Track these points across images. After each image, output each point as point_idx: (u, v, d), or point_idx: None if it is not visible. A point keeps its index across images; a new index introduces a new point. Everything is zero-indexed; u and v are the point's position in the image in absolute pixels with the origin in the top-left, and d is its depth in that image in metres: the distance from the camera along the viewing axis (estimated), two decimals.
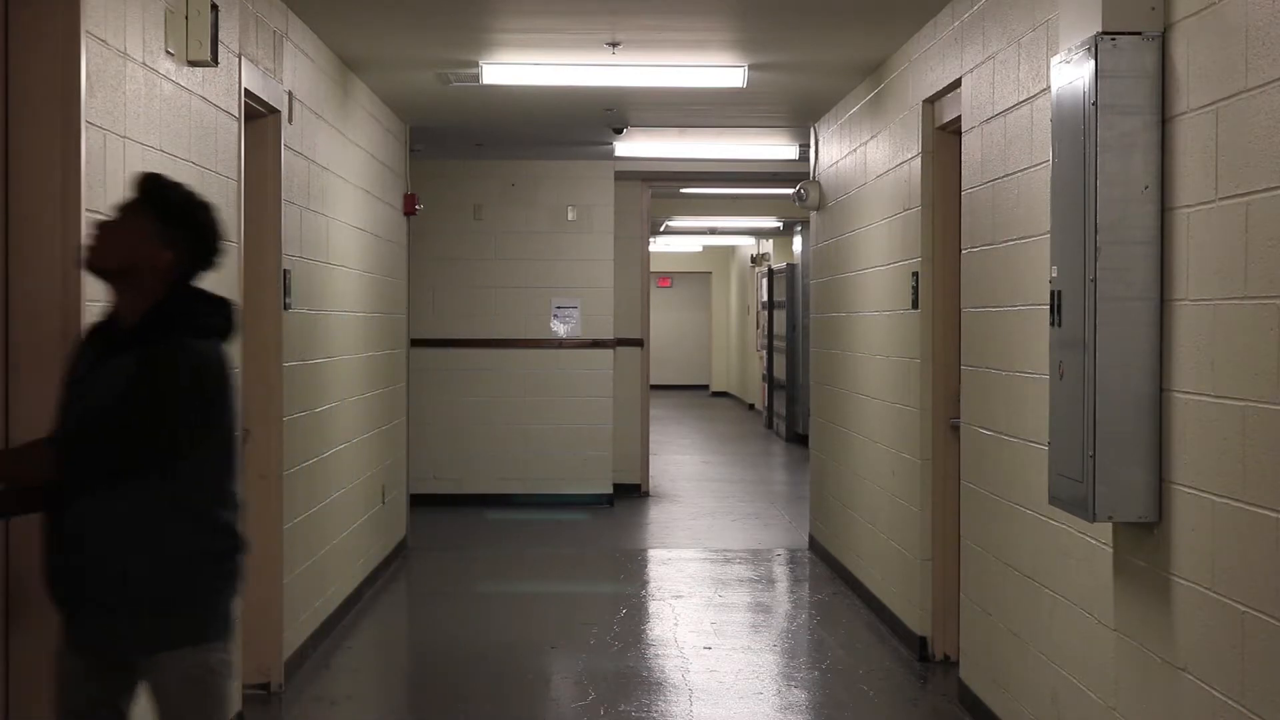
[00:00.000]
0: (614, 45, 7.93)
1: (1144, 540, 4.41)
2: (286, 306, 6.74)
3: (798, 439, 18.65)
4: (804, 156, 11.66)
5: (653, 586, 9.79)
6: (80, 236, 4.24)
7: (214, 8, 5.24)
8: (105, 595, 3.50)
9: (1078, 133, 4.39)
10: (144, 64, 4.84)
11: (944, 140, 7.30)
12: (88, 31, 4.30)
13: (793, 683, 7.31)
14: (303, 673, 7.12)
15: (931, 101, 7.33)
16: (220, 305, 3.66)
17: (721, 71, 8.65)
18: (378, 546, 9.60)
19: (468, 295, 13.18)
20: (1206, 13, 3.99)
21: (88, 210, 4.30)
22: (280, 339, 6.64)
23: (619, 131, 11.23)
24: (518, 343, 13.22)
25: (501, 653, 7.74)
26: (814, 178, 10.71)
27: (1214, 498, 3.94)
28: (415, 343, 12.00)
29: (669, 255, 28.13)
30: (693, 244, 27.28)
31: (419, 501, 11.85)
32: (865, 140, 8.90)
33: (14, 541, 4.21)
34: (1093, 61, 4.26)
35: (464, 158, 13.09)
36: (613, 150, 12.72)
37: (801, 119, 10.78)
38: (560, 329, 13.27)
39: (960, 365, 6.79)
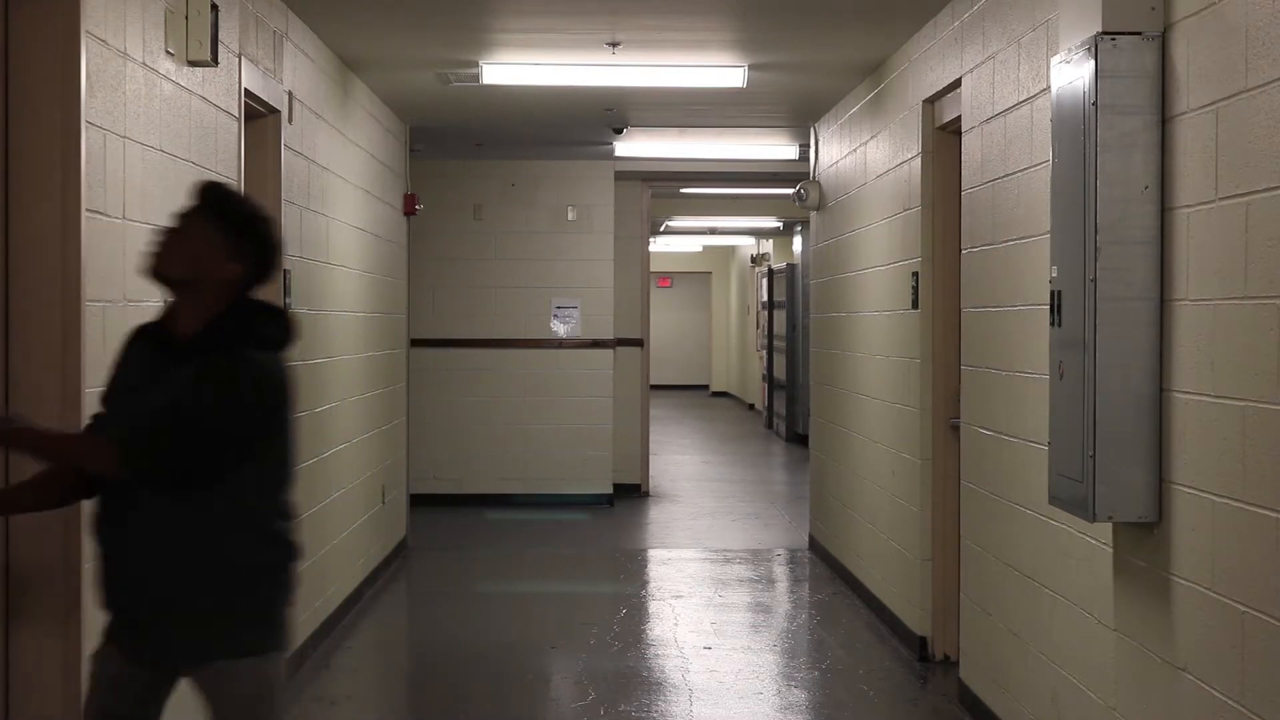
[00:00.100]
0: (614, 45, 7.93)
1: (1144, 540, 4.41)
2: (287, 306, 6.74)
3: (798, 439, 18.65)
4: (804, 156, 11.66)
5: (653, 586, 9.79)
6: (80, 236, 4.24)
7: (214, 8, 5.24)
8: (168, 605, 3.49)
9: (1078, 133, 4.39)
10: (144, 64, 4.84)
11: (944, 140, 7.30)
12: (88, 31, 4.30)
13: (793, 683, 7.31)
14: (303, 673, 7.12)
15: (931, 101, 7.33)
16: (279, 316, 3.65)
17: (721, 71, 8.65)
18: (378, 547, 9.60)
19: (468, 295, 13.18)
20: (1206, 13, 3.99)
21: (88, 210, 4.30)
22: None
23: (619, 131, 11.23)
24: (518, 343, 13.23)
25: (501, 653, 7.74)
26: (814, 178, 10.71)
27: (1214, 498, 3.94)
28: (415, 343, 12.00)
29: (669, 255, 28.13)
30: (693, 244, 27.28)
31: (419, 501, 11.85)
32: (865, 140, 8.90)
33: (14, 541, 4.21)
34: (1093, 61, 4.26)
35: (464, 158, 13.09)
36: (613, 150, 12.72)
37: (801, 119, 10.78)
38: (560, 329, 13.27)
39: (960, 365, 6.79)
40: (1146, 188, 4.25)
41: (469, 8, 7.31)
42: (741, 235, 24.70)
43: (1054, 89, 4.66)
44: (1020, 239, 5.66)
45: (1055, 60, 4.64)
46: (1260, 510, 3.68)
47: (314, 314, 7.46)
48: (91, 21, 4.34)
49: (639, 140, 12.18)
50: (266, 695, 3.57)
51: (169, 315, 3.61)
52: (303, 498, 7.23)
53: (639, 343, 14.00)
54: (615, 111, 10.42)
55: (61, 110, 4.22)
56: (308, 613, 7.42)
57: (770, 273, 21.97)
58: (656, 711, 6.60)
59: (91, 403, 4.18)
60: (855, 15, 7.31)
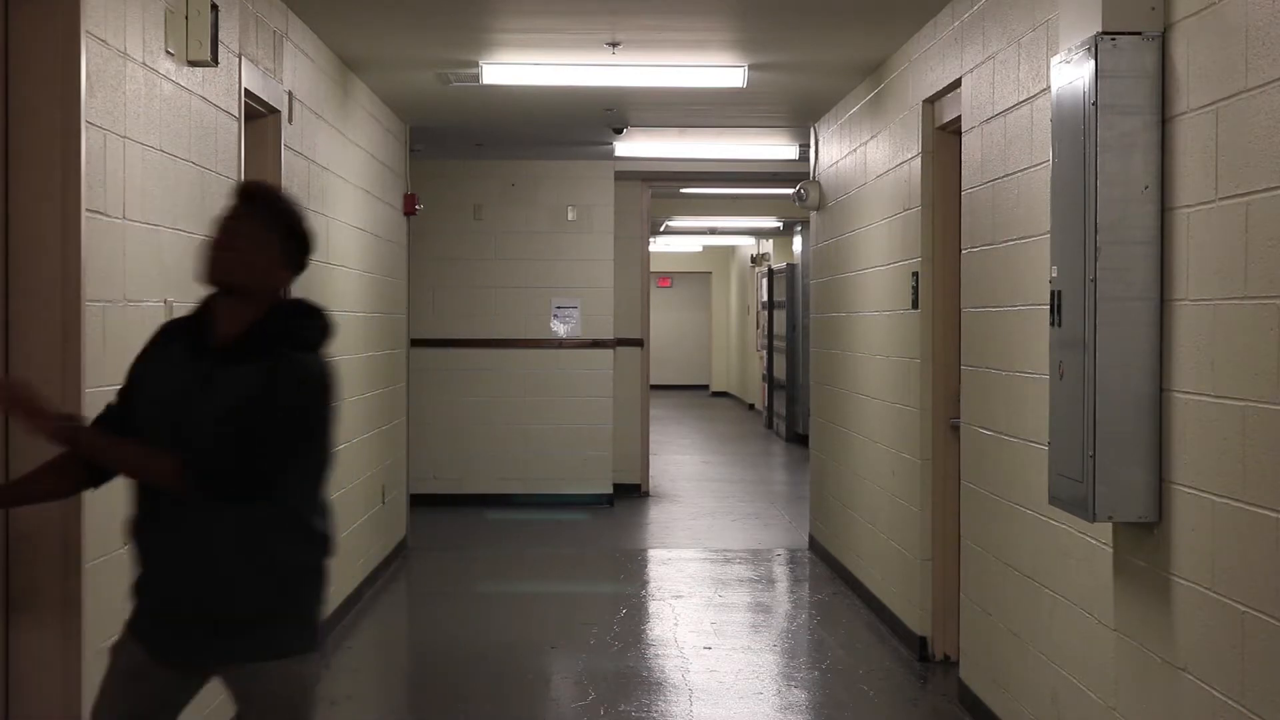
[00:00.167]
0: (614, 45, 7.93)
1: (1144, 540, 4.41)
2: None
3: (798, 439, 18.65)
4: (804, 156, 11.66)
5: (653, 586, 9.79)
6: (80, 236, 4.24)
7: (214, 8, 5.24)
8: (215, 607, 3.45)
9: (1078, 133, 4.39)
10: (144, 64, 4.83)
11: (944, 140, 7.30)
12: (88, 31, 4.30)
13: (793, 683, 7.31)
14: None
15: (931, 101, 7.33)
16: (318, 315, 3.63)
17: (721, 71, 8.65)
18: (378, 546, 9.60)
19: (468, 295, 13.19)
20: (1206, 13, 3.99)
21: (88, 210, 4.30)
22: None
23: (619, 131, 11.23)
24: (518, 343, 13.23)
25: (501, 653, 7.74)
26: (814, 178, 10.71)
27: (1214, 498, 3.94)
28: (415, 343, 12.00)
29: (669, 255, 28.13)
30: (693, 244, 27.28)
31: (419, 501, 11.85)
32: (865, 140, 8.90)
33: (14, 541, 4.21)
34: (1093, 61, 4.26)
35: (464, 158, 13.09)
36: (613, 150, 12.72)
37: (801, 119, 10.78)
38: (560, 329, 13.27)
39: (960, 365, 6.79)
40: (1146, 188, 4.25)
41: (469, 8, 7.31)
42: (741, 235, 24.70)
43: (1054, 89, 4.66)
44: (1020, 239, 5.66)
45: (1055, 60, 4.64)
46: (1260, 510, 3.68)
47: None
48: (91, 21, 4.33)
49: (639, 140, 12.18)
50: (306, 696, 3.55)
51: (204, 314, 3.55)
52: None
53: (639, 343, 14.00)
54: (615, 111, 10.42)
55: (61, 110, 4.22)
56: None
57: (770, 273, 21.97)
58: (656, 711, 6.60)
59: (91, 402, 4.18)
60: (855, 15, 7.31)
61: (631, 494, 13.77)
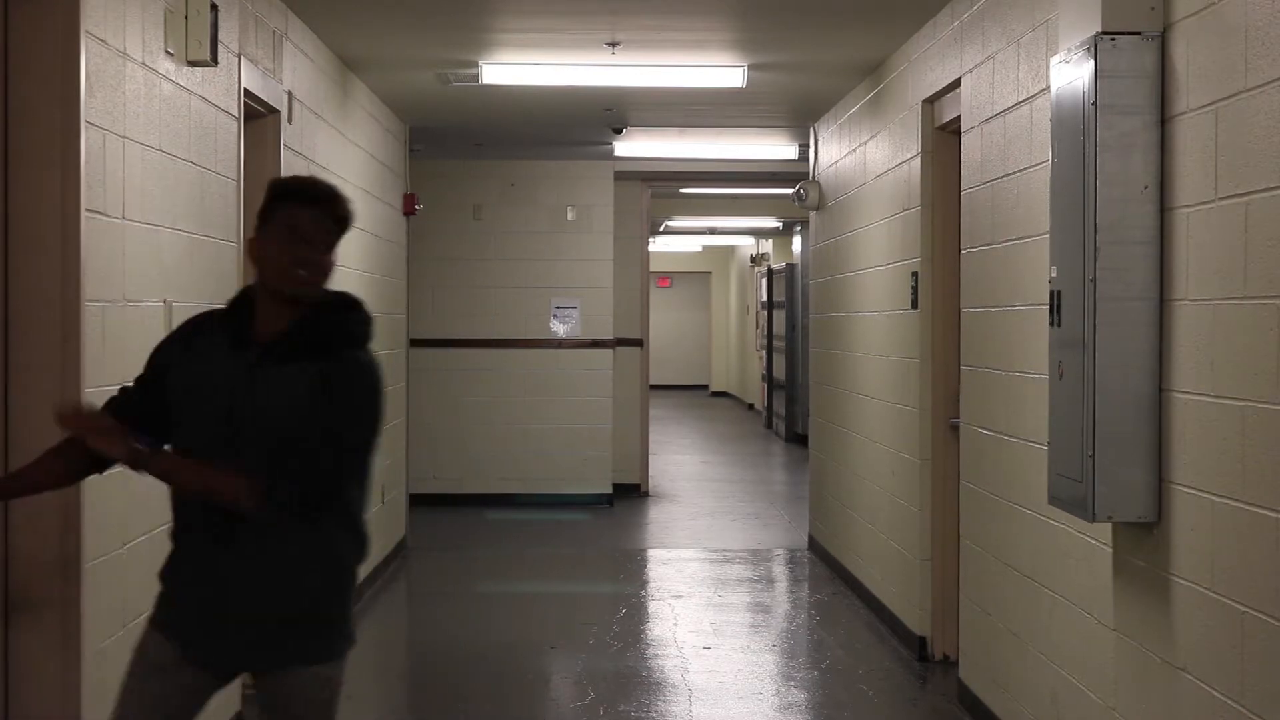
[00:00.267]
0: (614, 45, 7.93)
1: (1143, 540, 4.41)
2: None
3: (797, 439, 18.65)
4: (803, 156, 11.66)
5: (652, 586, 9.79)
6: (79, 236, 4.24)
7: (213, 8, 5.24)
8: (282, 612, 3.41)
9: (1077, 133, 4.38)
10: (143, 64, 4.83)
11: (943, 140, 7.30)
12: (87, 31, 4.30)
13: (792, 683, 7.31)
14: None
15: (931, 101, 7.33)
16: (362, 308, 3.56)
17: (721, 71, 8.65)
18: (377, 546, 9.60)
19: (467, 295, 13.19)
20: (1206, 13, 3.99)
21: (87, 210, 4.30)
22: None
23: (618, 131, 11.23)
24: (517, 343, 13.23)
25: (501, 653, 7.74)
26: (813, 178, 10.71)
27: (1213, 498, 3.94)
28: (415, 343, 12.00)
29: (668, 255, 28.13)
30: (692, 244, 27.28)
31: (419, 501, 11.85)
32: (865, 140, 8.90)
33: (14, 540, 4.21)
34: (1092, 61, 4.26)
35: (463, 158, 13.09)
36: (612, 150, 12.72)
37: (801, 119, 10.78)
38: (560, 329, 13.27)
39: (960, 365, 6.79)
40: (1146, 188, 4.25)
41: (469, 8, 7.31)
42: (741, 235, 24.70)
43: (1053, 89, 4.65)
44: (1020, 239, 5.66)
45: (1055, 60, 4.64)
46: (1260, 510, 3.68)
47: None
48: (91, 21, 4.33)
49: (638, 140, 12.18)
50: (332, 699, 3.53)
51: (241, 307, 3.48)
52: None
53: (638, 343, 14.01)
54: (615, 111, 10.42)
55: (61, 110, 4.22)
56: None
57: (770, 272, 21.97)
58: (656, 711, 6.60)
59: (91, 401, 4.18)
60: (855, 15, 7.31)
61: (631, 494, 13.77)
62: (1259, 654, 3.69)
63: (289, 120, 6.89)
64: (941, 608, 7.36)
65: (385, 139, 9.93)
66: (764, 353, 22.63)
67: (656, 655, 7.69)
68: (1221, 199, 3.89)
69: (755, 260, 25.36)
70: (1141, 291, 4.26)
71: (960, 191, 6.70)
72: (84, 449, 3.48)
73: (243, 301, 3.50)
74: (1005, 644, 5.95)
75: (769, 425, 21.84)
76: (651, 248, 15.23)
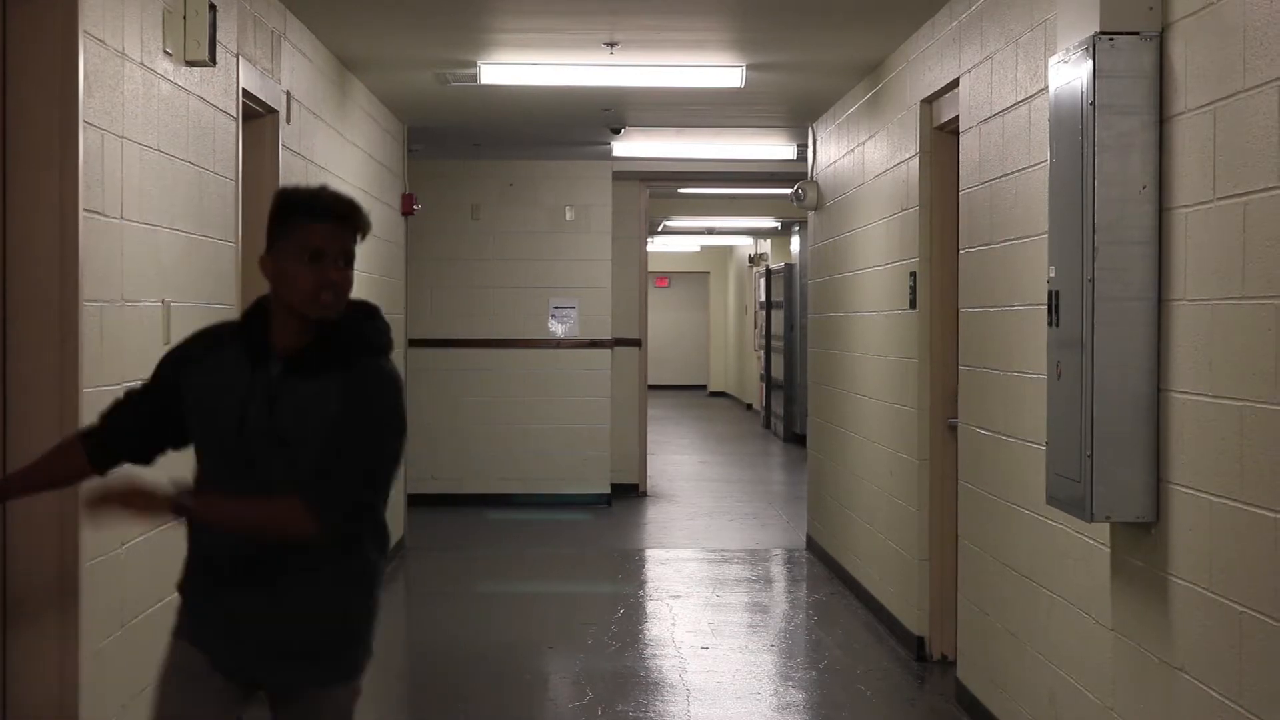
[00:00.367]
0: (612, 45, 7.93)
1: (1141, 540, 4.41)
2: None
3: (795, 439, 18.65)
4: (802, 156, 11.66)
5: (650, 586, 9.79)
6: (77, 236, 4.23)
7: (212, 8, 5.24)
8: (318, 638, 3.38)
9: (1075, 133, 4.39)
10: (142, 64, 4.83)
11: (942, 140, 7.31)
12: (86, 31, 4.30)
13: (790, 683, 7.31)
14: None
15: (929, 101, 7.34)
16: (379, 315, 3.48)
17: (720, 71, 8.65)
18: None
19: (466, 295, 13.19)
20: (1204, 13, 3.99)
21: (85, 210, 4.29)
22: None
23: (617, 131, 11.23)
24: (516, 343, 13.23)
25: (500, 653, 7.74)
26: (812, 178, 10.71)
27: (1212, 498, 3.94)
28: (414, 343, 12.01)
29: (667, 255, 28.13)
30: (690, 244, 27.28)
31: (418, 501, 11.86)
32: (863, 140, 8.90)
33: (12, 541, 4.21)
34: (1090, 61, 4.26)
35: (462, 158, 13.09)
36: (611, 150, 12.72)
37: (800, 119, 10.78)
38: (558, 329, 13.28)
39: (958, 365, 6.79)
40: (1144, 188, 4.25)
41: (468, 8, 7.31)
42: (739, 235, 24.70)
43: (1052, 89, 4.66)
44: (1018, 239, 5.67)
45: (1053, 60, 4.64)
46: (1258, 510, 3.68)
47: None
48: (89, 21, 4.33)
49: (637, 140, 12.18)
50: (351, 708, 3.50)
51: (255, 319, 3.40)
52: None
53: (637, 343, 14.01)
54: (613, 111, 10.42)
55: (59, 110, 4.22)
56: None
57: (768, 273, 21.97)
58: (654, 711, 6.60)
59: (89, 402, 4.18)
60: (854, 15, 7.31)
61: (629, 494, 13.77)
62: (1257, 654, 3.69)
63: (287, 120, 6.88)
64: (940, 608, 7.36)
65: (384, 139, 9.93)
66: (762, 353, 22.63)
67: (655, 655, 7.70)
68: (1220, 199, 3.89)
69: (753, 260, 25.36)
70: (1140, 291, 4.26)
71: (958, 191, 6.71)
72: (83, 451, 3.48)
73: (257, 313, 3.40)
74: (1003, 644, 5.95)
75: (767, 425, 21.84)
76: (650, 248, 15.24)
